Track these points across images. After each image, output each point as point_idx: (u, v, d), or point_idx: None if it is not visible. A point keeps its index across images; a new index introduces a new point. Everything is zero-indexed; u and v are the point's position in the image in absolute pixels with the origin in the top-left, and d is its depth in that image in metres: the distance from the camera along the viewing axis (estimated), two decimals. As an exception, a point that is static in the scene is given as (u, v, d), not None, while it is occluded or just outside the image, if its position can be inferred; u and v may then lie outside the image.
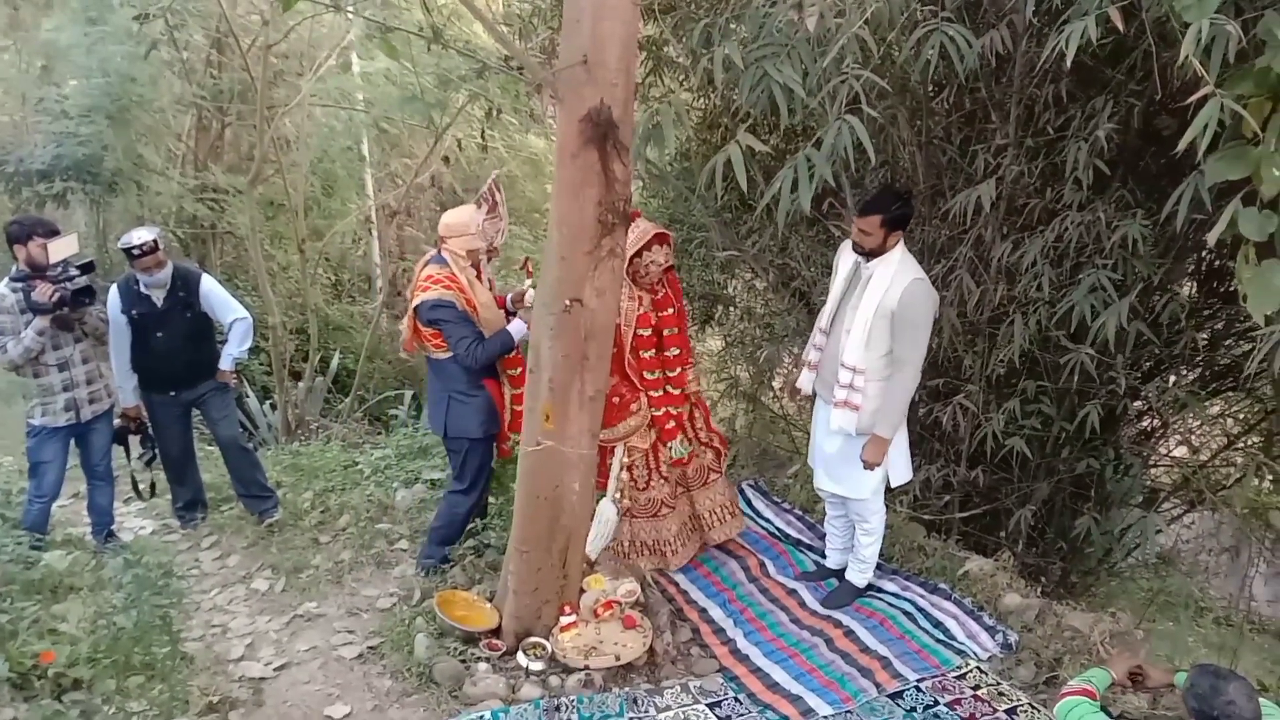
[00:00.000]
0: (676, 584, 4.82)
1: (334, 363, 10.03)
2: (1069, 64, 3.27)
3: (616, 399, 4.46)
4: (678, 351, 4.65)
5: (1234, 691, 2.60)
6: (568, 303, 3.70)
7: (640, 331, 4.49)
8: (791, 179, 3.35)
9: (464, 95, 8.56)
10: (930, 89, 4.99)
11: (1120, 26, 3.05)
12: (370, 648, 4.35)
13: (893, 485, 4.38)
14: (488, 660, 4.07)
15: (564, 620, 4.16)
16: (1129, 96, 4.31)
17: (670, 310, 4.59)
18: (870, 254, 4.03)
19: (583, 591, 4.34)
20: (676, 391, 4.70)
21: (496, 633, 4.22)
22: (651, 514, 4.74)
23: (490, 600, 4.40)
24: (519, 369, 4.56)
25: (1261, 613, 7.45)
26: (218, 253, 10.91)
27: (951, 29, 3.52)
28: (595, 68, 3.45)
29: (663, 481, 4.73)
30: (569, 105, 3.53)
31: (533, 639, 4.13)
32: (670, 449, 4.69)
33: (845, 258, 4.24)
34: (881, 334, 4.01)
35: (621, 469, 4.58)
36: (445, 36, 6.39)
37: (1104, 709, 3.03)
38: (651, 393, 4.60)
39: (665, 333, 4.59)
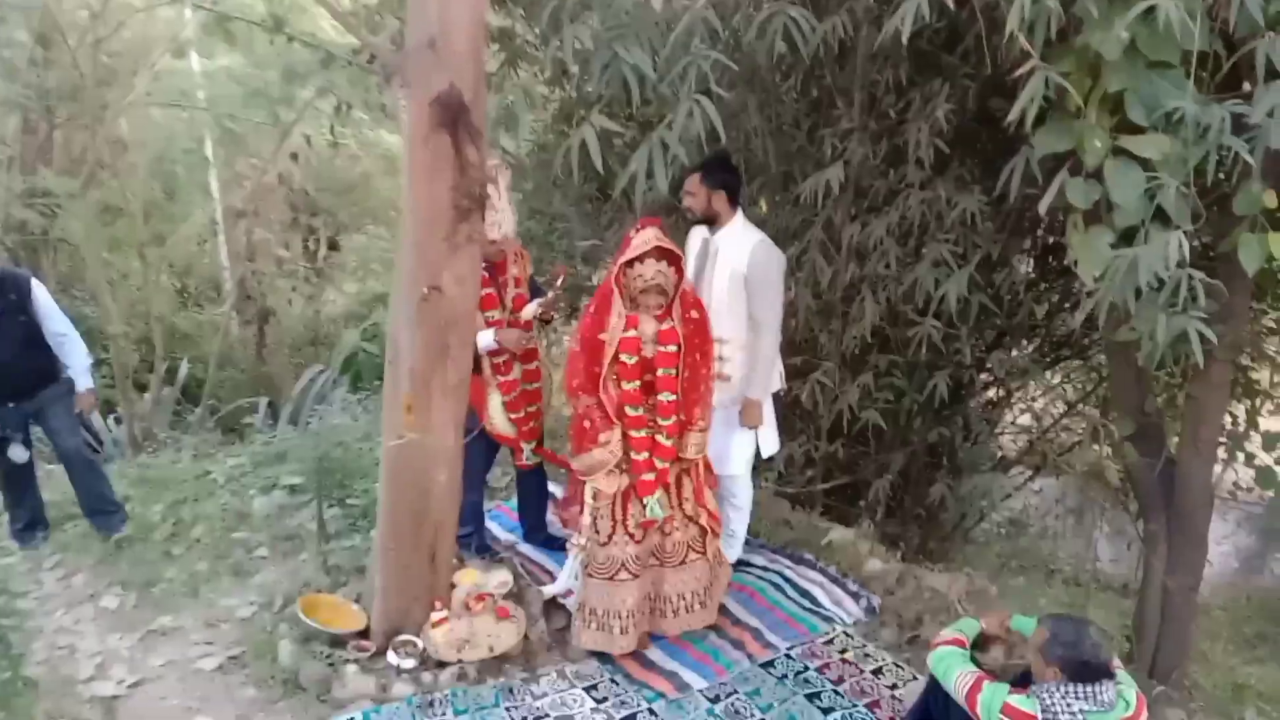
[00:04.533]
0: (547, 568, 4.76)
1: (182, 372, 9.58)
2: (906, 45, 3.40)
3: (587, 423, 3.85)
4: (671, 398, 3.82)
5: (1094, 633, 2.82)
6: (425, 290, 3.63)
7: (624, 357, 3.77)
8: (646, 162, 3.38)
9: (311, 90, 8.32)
10: (778, 76, 5.11)
11: (950, 4, 3.19)
12: (231, 658, 4.17)
13: (764, 454, 4.46)
14: (356, 661, 3.96)
15: (435, 616, 4.07)
16: (964, 79, 4.52)
17: (673, 347, 3.80)
18: (707, 221, 4.21)
19: (454, 586, 4.28)
20: (667, 443, 3.89)
21: (364, 634, 4.11)
22: (608, 576, 3.97)
23: (357, 601, 4.28)
24: (509, 374, 4.44)
25: (1106, 571, 7.93)
26: (51, 261, 10.25)
27: (794, 11, 3.62)
28: (444, 51, 3.40)
29: (628, 540, 3.95)
30: (418, 90, 3.47)
31: (403, 636, 4.04)
32: (646, 506, 3.89)
33: (694, 238, 4.38)
34: (738, 299, 4.11)
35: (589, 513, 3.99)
36: (289, 28, 6.20)
37: (973, 658, 3.17)
38: (633, 432, 3.87)
39: (660, 370, 3.82)
